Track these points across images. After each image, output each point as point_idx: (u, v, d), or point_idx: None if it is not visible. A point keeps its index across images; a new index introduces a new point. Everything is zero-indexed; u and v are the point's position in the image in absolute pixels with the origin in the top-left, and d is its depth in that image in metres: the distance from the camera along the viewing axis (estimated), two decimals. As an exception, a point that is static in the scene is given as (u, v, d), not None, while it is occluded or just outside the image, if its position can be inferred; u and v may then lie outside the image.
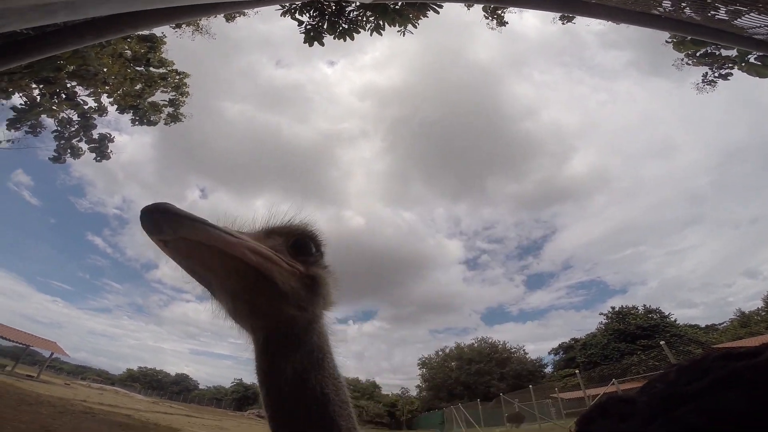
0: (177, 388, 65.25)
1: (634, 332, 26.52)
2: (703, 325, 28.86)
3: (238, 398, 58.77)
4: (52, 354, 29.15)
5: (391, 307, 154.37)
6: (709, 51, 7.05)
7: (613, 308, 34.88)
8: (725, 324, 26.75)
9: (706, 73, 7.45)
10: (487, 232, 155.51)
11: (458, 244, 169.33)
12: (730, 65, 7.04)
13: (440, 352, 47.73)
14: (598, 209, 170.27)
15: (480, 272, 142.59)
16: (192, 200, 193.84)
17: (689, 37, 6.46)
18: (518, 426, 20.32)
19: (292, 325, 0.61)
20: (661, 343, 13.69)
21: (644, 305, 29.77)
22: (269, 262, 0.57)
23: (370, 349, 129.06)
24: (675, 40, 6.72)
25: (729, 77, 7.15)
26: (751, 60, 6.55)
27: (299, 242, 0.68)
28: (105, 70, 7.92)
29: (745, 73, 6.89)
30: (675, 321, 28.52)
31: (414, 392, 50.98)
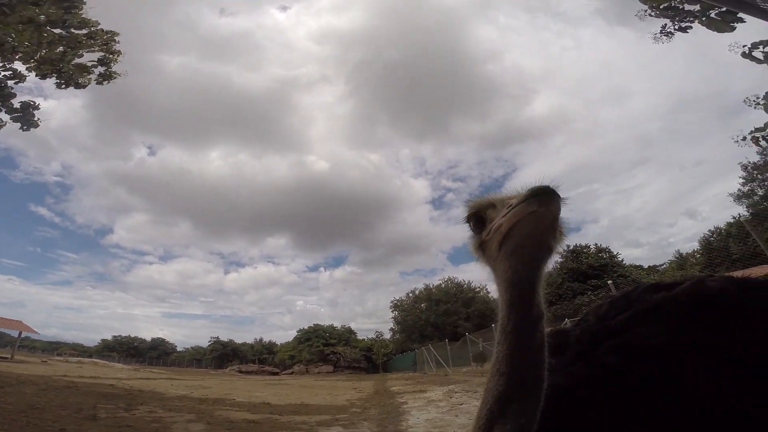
0: (155, 353, 65.15)
1: (586, 271, 27.62)
2: (646, 266, 30.46)
3: (217, 356, 59.89)
4: (20, 333, 27.97)
5: (361, 251, 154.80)
6: (673, 4, 7.29)
7: (567, 246, 36.63)
8: (664, 266, 27.95)
9: (665, 24, 7.73)
10: (452, 171, 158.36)
11: (424, 183, 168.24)
12: (690, 19, 7.37)
13: (411, 294, 46.83)
14: (556, 148, 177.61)
15: (445, 211, 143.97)
16: (140, 158, 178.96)
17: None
18: (482, 365, 22.51)
19: None
20: (609, 282, 15.23)
21: (596, 244, 30.42)
22: None
23: (343, 295, 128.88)
24: (641, -9, 6.83)
25: (688, 30, 7.47)
26: (712, 15, 6.90)
27: None
28: (11, 39, 6.90)
29: (704, 27, 7.27)
30: (622, 261, 29.94)
31: (388, 335, 51.35)
